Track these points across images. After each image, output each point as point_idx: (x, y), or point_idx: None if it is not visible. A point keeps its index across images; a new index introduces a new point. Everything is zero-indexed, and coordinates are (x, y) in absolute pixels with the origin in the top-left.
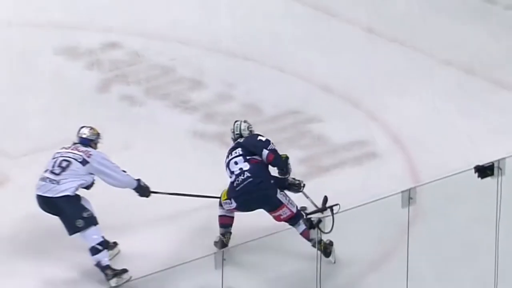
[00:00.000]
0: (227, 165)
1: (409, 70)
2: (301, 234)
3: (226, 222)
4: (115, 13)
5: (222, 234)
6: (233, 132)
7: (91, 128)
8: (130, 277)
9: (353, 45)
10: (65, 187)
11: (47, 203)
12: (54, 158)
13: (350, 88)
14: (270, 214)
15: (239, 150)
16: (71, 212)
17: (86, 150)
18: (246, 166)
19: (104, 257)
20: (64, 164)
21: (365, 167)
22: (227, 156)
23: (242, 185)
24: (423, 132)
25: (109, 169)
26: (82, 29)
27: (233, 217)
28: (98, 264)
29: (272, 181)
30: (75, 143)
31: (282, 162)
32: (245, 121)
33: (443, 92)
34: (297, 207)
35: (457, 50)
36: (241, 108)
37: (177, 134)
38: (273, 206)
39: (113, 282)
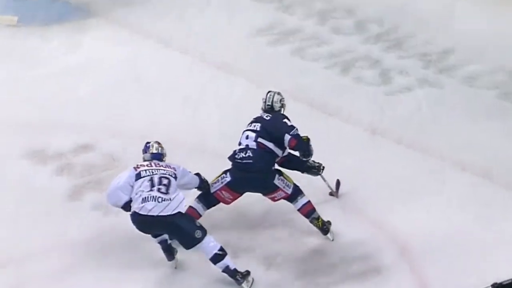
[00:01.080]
0: (242, 132)
1: (418, 174)
2: (298, 210)
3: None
4: (89, 110)
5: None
6: (265, 102)
7: (158, 143)
8: (253, 278)
9: (355, 147)
10: (176, 203)
11: (158, 223)
12: (144, 177)
13: (353, 194)
14: (265, 195)
15: (258, 126)
16: (188, 226)
17: (167, 165)
18: (253, 146)
19: (229, 261)
20: (165, 181)
21: (369, 285)
22: (249, 123)
23: (240, 162)
24: (433, 244)
25: (189, 176)
26: (52, 128)
27: (200, 215)
28: (227, 269)
29: (272, 168)
30: (148, 160)
31: (305, 146)
32: (278, 93)
33: (456, 199)
34: (294, 185)
35: (471, 153)
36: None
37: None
38: (269, 190)
39: (245, 285)
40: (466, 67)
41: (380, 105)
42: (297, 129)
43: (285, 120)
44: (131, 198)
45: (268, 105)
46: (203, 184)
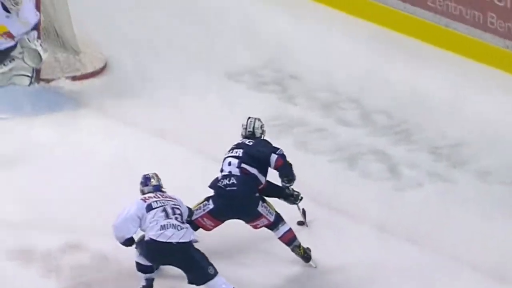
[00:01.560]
0: (224, 159)
1: (428, 272)
2: (279, 238)
3: None
4: (80, 207)
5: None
6: (245, 128)
7: (157, 175)
8: None
9: (362, 245)
10: (190, 232)
11: (174, 252)
12: (157, 208)
13: None
14: (247, 223)
15: (240, 152)
16: (202, 260)
17: (171, 196)
18: (236, 172)
19: None
20: (178, 211)
21: None
22: (230, 149)
23: (224, 189)
24: None
25: (185, 207)
26: (38, 227)
27: None
28: None
29: (256, 195)
30: (151, 192)
31: (289, 168)
32: (259, 119)
33: None
34: (275, 213)
35: (485, 252)
36: None
37: None
38: (252, 217)
39: None
40: (479, 161)
41: (389, 201)
42: (282, 150)
43: (269, 143)
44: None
45: (249, 131)
46: (190, 213)
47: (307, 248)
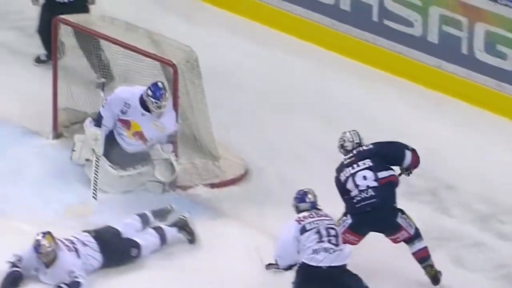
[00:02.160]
0: (352, 175)
1: None
2: (413, 254)
3: None
4: None
5: None
6: (351, 141)
7: (312, 191)
8: None
9: None
10: (345, 255)
11: (326, 277)
12: (310, 230)
13: None
14: (387, 237)
15: (368, 162)
16: (356, 281)
17: (326, 215)
18: (373, 184)
19: None
20: (333, 232)
21: None
22: (351, 165)
23: (363, 203)
24: None
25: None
26: None
27: None
28: None
29: (395, 205)
30: (307, 210)
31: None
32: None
33: None
34: (415, 226)
35: None
36: None
37: None
38: (392, 229)
39: None
40: None
41: None
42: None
43: (384, 142)
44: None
45: (357, 142)
46: None
47: (439, 271)
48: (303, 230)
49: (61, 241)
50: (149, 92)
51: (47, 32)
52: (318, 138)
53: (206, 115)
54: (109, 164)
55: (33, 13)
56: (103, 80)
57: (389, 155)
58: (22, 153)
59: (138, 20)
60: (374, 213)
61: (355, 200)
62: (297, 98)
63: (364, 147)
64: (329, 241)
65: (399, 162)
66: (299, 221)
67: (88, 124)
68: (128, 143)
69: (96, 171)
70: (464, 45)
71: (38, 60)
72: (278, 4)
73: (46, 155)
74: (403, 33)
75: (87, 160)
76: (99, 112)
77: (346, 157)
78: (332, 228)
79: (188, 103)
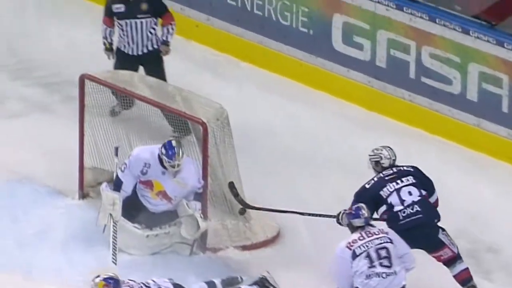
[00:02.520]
0: (397, 190)
1: None
2: (455, 276)
3: None
4: None
5: None
6: (389, 158)
7: (365, 207)
8: None
9: None
10: (402, 276)
11: None
12: (360, 255)
13: None
14: (430, 254)
15: (411, 179)
16: None
17: (379, 230)
18: (418, 199)
19: None
20: (383, 253)
21: None
22: (394, 180)
23: (408, 219)
24: None
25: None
26: None
27: None
28: None
29: (436, 220)
30: (359, 227)
31: None
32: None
33: None
34: (457, 246)
35: None
36: None
37: None
38: (435, 246)
39: None
40: None
41: None
42: None
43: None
44: None
45: (393, 159)
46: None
47: None
48: (354, 256)
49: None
50: (163, 151)
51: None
52: (351, 195)
53: (236, 175)
54: (134, 225)
55: (57, 69)
56: (117, 145)
57: (427, 182)
58: (46, 214)
59: (168, 76)
60: (418, 229)
61: (400, 216)
62: (329, 154)
63: (404, 167)
64: (380, 264)
65: (430, 193)
66: (349, 246)
67: (105, 188)
68: (153, 203)
69: (114, 236)
70: (505, 103)
71: (112, 113)
72: (311, 60)
73: (72, 216)
74: (441, 90)
75: (104, 225)
76: (117, 177)
77: (385, 173)
78: (383, 248)
79: (218, 162)
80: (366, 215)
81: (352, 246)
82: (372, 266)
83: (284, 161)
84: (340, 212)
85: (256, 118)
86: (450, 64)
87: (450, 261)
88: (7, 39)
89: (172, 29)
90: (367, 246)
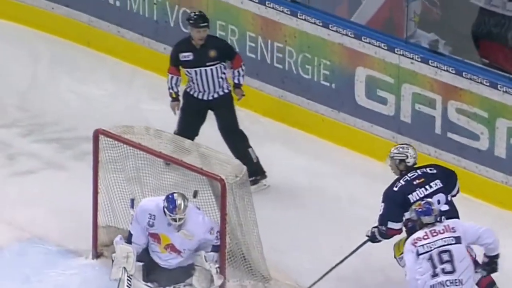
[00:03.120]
0: (427, 197)
1: None
2: (478, 283)
3: None
4: None
5: None
6: (415, 157)
7: (433, 203)
8: None
9: None
10: (469, 285)
11: None
12: (423, 255)
13: None
14: None
15: (438, 183)
16: None
17: (446, 227)
18: (445, 209)
19: None
20: (445, 256)
21: None
22: (423, 185)
23: None
24: None
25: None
26: None
27: None
28: None
29: None
30: (427, 225)
31: None
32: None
33: None
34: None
35: None
36: None
37: None
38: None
39: None
40: None
41: None
42: None
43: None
44: None
45: (415, 157)
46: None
47: None
48: (417, 254)
49: None
50: (165, 204)
51: (190, 137)
52: (376, 259)
53: (256, 234)
54: (147, 284)
55: (71, 124)
56: (132, 198)
57: (451, 180)
58: (59, 275)
59: None
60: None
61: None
62: (353, 215)
63: (428, 169)
64: (443, 271)
65: (455, 192)
66: (414, 243)
67: (118, 241)
68: (163, 258)
69: None
70: None
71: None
72: (333, 115)
73: (85, 276)
74: (468, 146)
75: (119, 279)
76: (129, 230)
77: (411, 175)
78: (446, 251)
79: (237, 220)
80: (436, 212)
81: (416, 244)
82: (435, 275)
83: (306, 221)
84: (371, 231)
85: (276, 175)
86: (477, 119)
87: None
88: (18, 93)
89: (243, 70)
90: (430, 247)
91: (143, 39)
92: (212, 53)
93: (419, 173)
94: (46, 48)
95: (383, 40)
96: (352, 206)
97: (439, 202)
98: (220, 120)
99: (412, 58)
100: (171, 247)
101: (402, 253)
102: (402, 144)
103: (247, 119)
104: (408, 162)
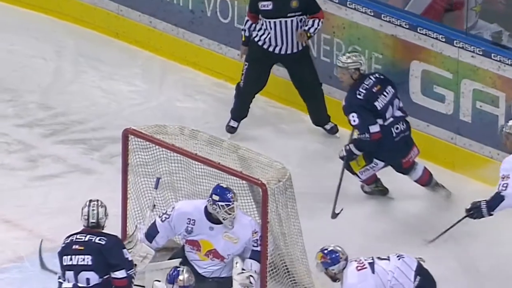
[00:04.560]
0: (391, 103)
1: None
2: (416, 180)
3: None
4: None
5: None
6: (364, 63)
7: None
8: None
9: None
10: None
11: None
12: None
13: None
14: (403, 160)
15: (391, 88)
16: None
17: None
18: (399, 114)
19: None
20: None
21: None
22: (381, 92)
23: (398, 138)
24: None
25: None
26: None
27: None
28: None
29: None
30: None
31: None
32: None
33: None
34: None
35: None
36: None
37: None
38: (409, 149)
39: None
40: None
41: None
42: None
43: None
44: None
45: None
46: None
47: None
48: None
49: None
50: (215, 197)
51: (248, 94)
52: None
53: (300, 244)
54: None
55: (97, 123)
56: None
57: (395, 87)
58: None
59: (223, 131)
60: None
61: (393, 133)
62: (414, 222)
63: (377, 75)
64: None
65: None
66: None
67: (142, 228)
68: (203, 266)
69: None
70: None
71: (230, 130)
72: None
73: None
74: None
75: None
76: (154, 225)
77: (368, 83)
78: None
79: (280, 230)
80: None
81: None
82: None
83: (353, 230)
84: (345, 149)
85: (323, 179)
86: None
87: (411, 166)
88: (40, 89)
89: (319, 24)
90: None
91: (177, 30)
92: (294, 3)
93: (374, 79)
94: (70, 40)
95: (440, 32)
96: (406, 212)
97: (393, 105)
98: (300, 77)
99: (473, 52)
100: (213, 253)
101: (362, 167)
102: (349, 52)
103: (290, 117)
104: (362, 70)
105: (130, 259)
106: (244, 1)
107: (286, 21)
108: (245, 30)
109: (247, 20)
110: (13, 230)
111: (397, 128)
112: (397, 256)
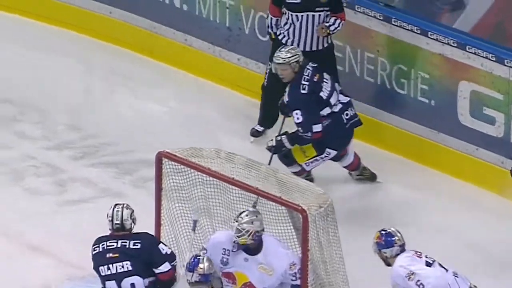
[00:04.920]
0: (335, 90)
1: None
2: (346, 166)
3: None
4: None
5: None
6: (302, 55)
7: None
8: None
9: None
10: None
11: None
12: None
13: None
14: (343, 150)
15: (327, 75)
16: None
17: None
18: (346, 100)
19: None
20: None
21: None
22: (322, 81)
23: (348, 124)
24: None
25: None
26: None
27: None
28: None
29: None
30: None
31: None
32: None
33: None
34: None
35: None
36: None
37: None
38: (350, 141)
39: None
40: None
41: None
42: None
43: None
44: None
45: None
46: None
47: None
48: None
49: None
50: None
51: (274, 92)
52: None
53: (343, 273)
54: None
55: (129, 146)
56: (196, 217)
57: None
58: None
59: (260, 155)
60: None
61: (344, 120)
62: (460, 248)
63: (312, 64)
64: None
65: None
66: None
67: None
68: None
69: None
70: None
71: (254, 134)
72: (432, 136)
73: None
74: None
75: None
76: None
77: (307, 73)
78: None
79: (321, 257)
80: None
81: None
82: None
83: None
84: (276, 140)
85: (366, 203)
86: None
87: (347, 152)
88: (70, 110)
89: (339, 24)
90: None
91: (214, 48)
92: None
93: (311, 69)
94: (101, 58)
95: (490, 50)
96: (455, 240)
97: (336, 91)
98: None
99: None
100: (249, 286)
101: (310, 158)
102: (285, 47)
103: None
104: (301, 61)
105: (169, 252)
106: None
107: (313, 15)
108: (272, 28)
109: (271, 18)
110: (40, 257)
111: (347, 115)
112: (453, 272)
